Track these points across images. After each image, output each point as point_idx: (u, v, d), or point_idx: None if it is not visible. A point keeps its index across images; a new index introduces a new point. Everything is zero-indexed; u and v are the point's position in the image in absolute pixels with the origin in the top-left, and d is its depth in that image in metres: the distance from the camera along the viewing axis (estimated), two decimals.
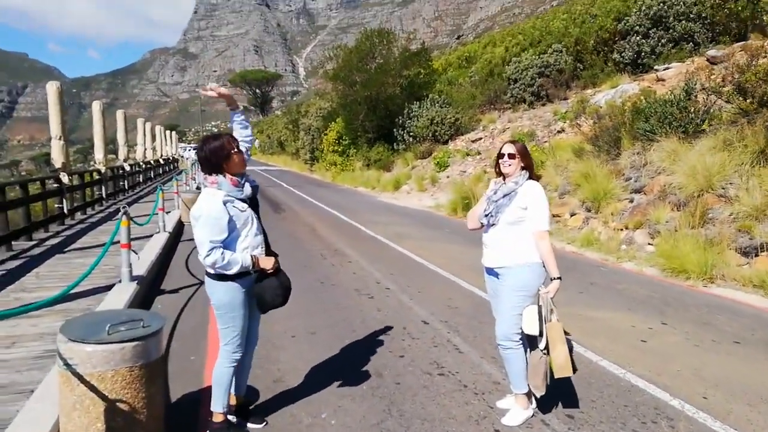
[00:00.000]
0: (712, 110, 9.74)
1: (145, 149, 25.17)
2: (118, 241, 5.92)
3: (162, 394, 3.00)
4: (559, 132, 16.67)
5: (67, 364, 2.70)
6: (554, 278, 3.20)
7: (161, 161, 30.58)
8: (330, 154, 28.13)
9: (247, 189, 3.09)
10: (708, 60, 15.01)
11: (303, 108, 50.09)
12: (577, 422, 3.37)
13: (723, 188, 8.31)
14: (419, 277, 7.17)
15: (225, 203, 2.96)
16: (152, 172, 26.30)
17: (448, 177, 18.27)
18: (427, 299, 6.09)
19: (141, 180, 22.46)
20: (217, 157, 3.00)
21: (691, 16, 16.51)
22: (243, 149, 3.17)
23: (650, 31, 17.20)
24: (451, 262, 8.09)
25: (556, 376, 3.13)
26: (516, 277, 3.27)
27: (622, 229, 9.34)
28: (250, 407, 3.49)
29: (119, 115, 19.89)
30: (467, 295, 6.29)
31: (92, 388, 2.68)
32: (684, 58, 16.56)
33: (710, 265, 7.10)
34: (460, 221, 12.79)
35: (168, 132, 39.97)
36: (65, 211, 11.30)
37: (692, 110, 9.85)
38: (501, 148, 3.41)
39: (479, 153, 18.90)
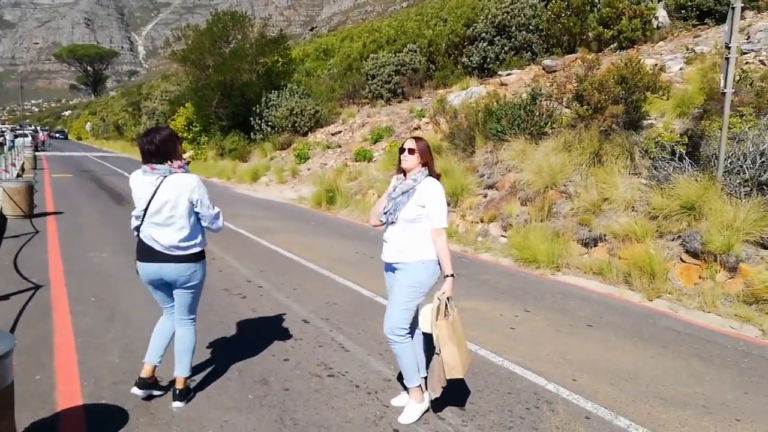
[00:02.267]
0: (554, 115, 10.76)
1: None
2: None
3: (14, 427, 2.48)
4: (415, 129, 17.30)
5: None
6: (447, 275, 3.23)
7: None
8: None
9: None
10: (543, 68, 16.61)
11: (145, 90, 46.23)
12: (469, 413, 3.46)
13: (565, 185, 9.23)
14: (292, 274, 6.93)
15: None
16: None
17: (309, 169, 18.05)
18: (304, 297, 5.90)
19: None
20: (168, 146, 3.31)
21: (530, 27, 18.11)
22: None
23: (495, 39, 18.55)
24: (321, 256, 7.96)
25: (447, 377, 3.13)
26: (410, 274, 3.27)
27: (477, 222, 9.95)
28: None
29: None
30: (344, 291, 6.21)
31: None
32: (524, 65, 18.17)
33: (557, 255, 7.83)
34: (324, 214, 12.69)
35: None
36: None
37: (537, 114, 10.80)
38: (403, 143, 3.36)
39: (340, 146, 18.94)
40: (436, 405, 3.47)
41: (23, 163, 21.26)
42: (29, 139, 32.56)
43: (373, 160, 16.16)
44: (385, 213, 3.32)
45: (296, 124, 21.18)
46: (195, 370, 3.95)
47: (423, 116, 17.70)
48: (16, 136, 32.64)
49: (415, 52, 21.83)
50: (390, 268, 3.43)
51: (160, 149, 3.23)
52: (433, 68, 21.20)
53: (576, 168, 9.31)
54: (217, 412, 3.36)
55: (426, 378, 3.45)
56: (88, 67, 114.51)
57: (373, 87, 21.67)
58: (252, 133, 22.58)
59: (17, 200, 10.23)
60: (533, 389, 3.85)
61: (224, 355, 4.25)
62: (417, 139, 3.37)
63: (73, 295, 5.63)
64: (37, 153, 26.55)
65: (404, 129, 17.60)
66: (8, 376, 2.40)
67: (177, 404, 3.37)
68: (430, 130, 16.41)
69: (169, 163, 3.26)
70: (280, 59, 24.31)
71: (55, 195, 14.29)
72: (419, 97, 20.36)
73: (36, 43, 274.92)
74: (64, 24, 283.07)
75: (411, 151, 3.32)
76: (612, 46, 15.05)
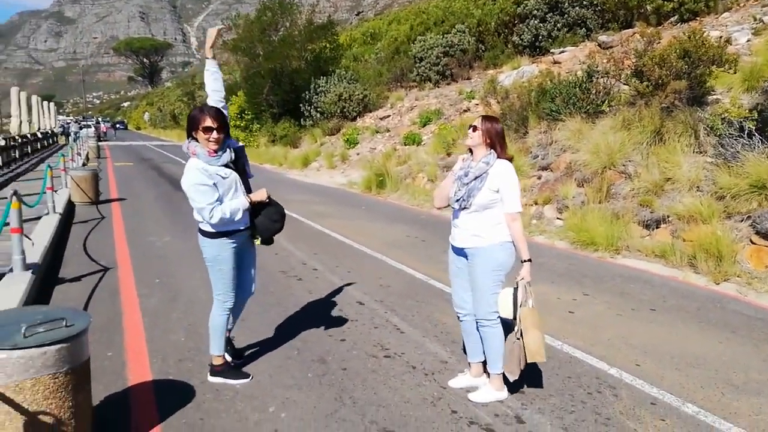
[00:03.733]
0: (611, 92, 10.36)
1: (21, 122, 22.55)
2: (5, 224, 5.17)
3: (90, 401, 2.62)
4: (465, 111, 17.04)
5: None
6: (524, 260, 3.17)
7: (39, 135, 27.62)
8: (231, 129, 26.88)
9: (225, 157, 3.26)
10: (599, 45, 15.97)
11: (198, 80, 47.43)
12: (529, 397, 3.41)
13: (624, 165, 8.89)
14: (345, 257, 7.00)
15: (206, 170, 3.16)
16: (29, 147, 23.68)
17: (358, 154, 18.11)
18: (358, 279, 5.95)
19: (17, 156, 20.12)
20: (190, 125, 3.22)
21: (584, 2, 17.42)
22: (217, 104, 3.46)
23: (547, 15, 17.94)
24: (373, 239, 7.99)
25: (528, 361, 3.12)
26: (489, 257, 3.21)
27: (531, 205, 9.73)
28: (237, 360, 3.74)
29: None
30: (397, 274, 6.22)
31: (8, 401, 2.27)
32: (577, 42, 17.52)
33: (616, 238, 7.58)
34: (374, 198, 12.73)
35: (45, 103, 36.14)
36: None
37: (593, 92, 10.42)
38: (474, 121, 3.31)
39: (388, 130, 18.89)
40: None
41: (87, 153, 22.29)
42: (92, 129, 34.37)
43: (422, 143, 16.04)
44: (458, 200, 3.25)
45: (345, 110, 21.25)
46: (256, 348, 4.07)
47: (473, 98, 17.39)
48: (80, 128, 34.29)
49: (464, 32, 21.41)
50: (461, 252, 3.36)
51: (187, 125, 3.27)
52: (483, 48, 20.75)
53: (636, 147, 8.94)
54: (278, 389, 3.44)
55: (485, 362, 3.42)
56: (144, 60, 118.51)
57: (421, 70, 21.43)
58: (302, 120, 22.82)
59: (84, 187, 10.74)
60: (595, 374, 3.75)
61: (283, 334, 4.34)
62: (486, 118, 3.28)
63: (138, 278, 5.88)
64: (99, 143, 27.78)
65: (453, 111, 17.36)
66: (85, 352, 2.53)
67: (209, 378, 3.51)
68: (481, 111, 16.13)
69: (187, 142, 3.27)
70: (328, 45, 24.38)
71: (118, 182, 14.92)
72: (468, 79, 20.01)
73: (95, 38, 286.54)
74: (120, 18, 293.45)
75: (474, 128, 3.25)
76: (672, 19, 14.30)
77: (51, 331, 2.41)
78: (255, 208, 3.38)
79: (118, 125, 65.04)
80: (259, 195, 3.37)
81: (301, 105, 22.51)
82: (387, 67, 24.04)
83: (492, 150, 3.22)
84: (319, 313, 4.85)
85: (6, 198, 5.31)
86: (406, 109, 20.02)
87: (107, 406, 3.22)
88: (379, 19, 36.17)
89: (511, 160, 3.29)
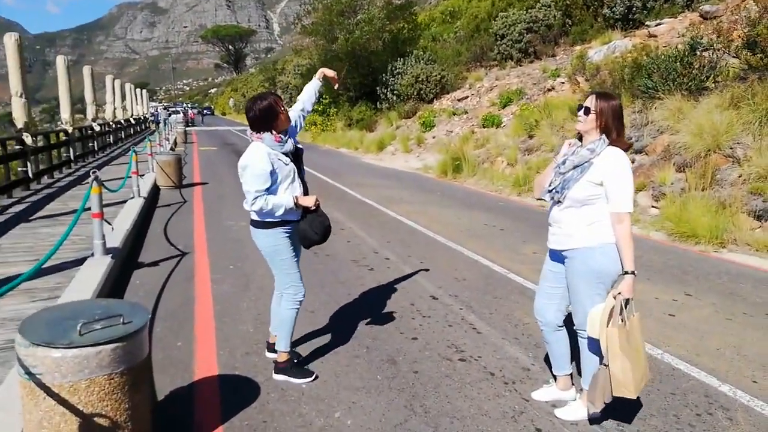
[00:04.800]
0: (717, 66, 9.31)
1: (115, 108, 23.91)
2: (89, 209, 5.31)
3: (149, 401, 2.51)
4: (549, 90, 16.13)
5: (29, 373, 2.17)
6: (626, 272, 2.59)
7: (132, 121, 29.26)
8: (309, 114, 27.20)
9: (289, 144, 3.19)
10: (701, 15, 14.52)
11: (279, 65, 48.46)
12: (625, 416, 2.97)
13: (731, 148, 7.96)
14: (418, 246, 6.72)
15: (269, 154, 3.09)
16: (123, 133, 25.12)
17: (434, 137, 17.69)
18: (432, 271, 5.65)
19: (111, 141, 21.37)
20: (267, 116, 3.11)
21: None
22: (302, 115, 3.56)
23: None
24: (448, 227, 7.65)
25: (615, 394, 2.60)
26: (587, 262, 2.71)
27: None
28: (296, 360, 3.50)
29: (86, 71, 18.67)
30: (473, 265, 5.86)
31: (63, 402, 2.17)
32: (676, 14, 16.06)
33: (722, 229, 6.79)
34: (450, 183, 12.33)
35: (138, 90, 38.25)
36: (30, 174, 10.49)
37: (697, 66, 9.41)
38: (585, 99, 2.80)
39: (466, 112, 18.30)
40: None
41: (176, 138, 23.31)
42: (181, 115, 36.17)
43: (502, 125, 15.36)
44: (551, 191, 2.79)
45: (421, 92, 20.81)
46: (324, 343, 3.89)
47: (558, 76, 16.43)
48: (169, 114, 36.09)
49: (549, 7, 20.24)
50: (556, 256, 2.91)
51: (261, 119, 3.15)
52: (570, 23, 19.55)
53: (746, 127, 7.98)
54: (345, 392, 3.23)
55: (561, 374, 3.03)
56: (230, 46, 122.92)
57: (502, 48, 20.54)
58: (378, 103, 22.62)
59: (168, 172, 11.11)
60: (703, 390, 3.26)
61: (352, 329, 4.14)
62: (601, 95, 2.73)
63: (213, 263, 5.90)
64: (187, 128, 29.04)
65: (536, 91, 16.49)
66: (143, 350, 2.41)
67: (274, 376, 3.36)
68: (566, 90, 15.19)
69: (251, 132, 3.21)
70: (406, 26, 23.94)
71: (202, 167, 15.42)
72: (553, 56, 18.93)
73: (185, 27, 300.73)
74: (208, 7, 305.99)
75: (586, 111, 2.70)
76: None
77: (107, 329, 2.30)
78: (302, 212, 3.24)
79: (205, 111, 67.80)
80: (307, 200, 3.21)
81: (377, 88, 22.30)
82: (466, 46, 23.28)
83: (603, 135, 2.70)
84: (390, 307, 4.60)
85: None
86: (486, 89, 19.29)
87: (172, 401, 3.14)
88: None
89: (627, 148, 2.76)
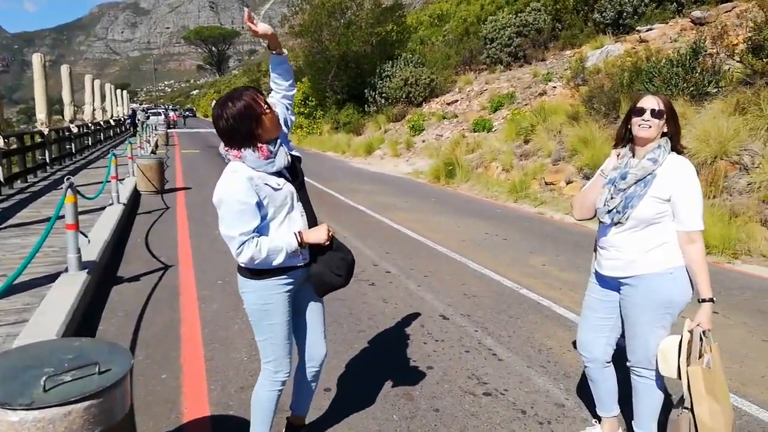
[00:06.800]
0: (720, 71, 9.09)
1: (94, 109, 23.16)
2: (63, 216, 4.82)
3: None
4: (541, 94, 15.89)
5: None
6: (703, 300, 2.26)
7: (112, 122, 28.45)
8: (294, 96, 26.69)
9: (281, 158, 2.23)
10: (692, 21, 14.42)
11: (264, 67, 47.84)
12: None
13: (738, 155, 7.72)
14: (420, 257, 6.32)
15: (251, 180, 2.15)
16: (102, 135, 24.36)
17: (423, 141, 17.35)
18: (438, 286, 5.25)
19: (90, 143, 20.65)
20: (245, 123, 2.13)
21: None
22: (284, 104, 2.47)
23: None
24: (449, 236, 7.27)
25: None
26: (652, 290, 2.34)
27: None
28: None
29: (64, 71, 17.96)
30: (481, 280, 5.48)
31: None
32: (667, 19, 15.98)
33: (734, 240, 6.53)
34: (444, 189, 11.97)
35: (119, 91, 37.34)
36: (1, 179, 9.88)
37: (699, 71, 9.18)
38: (638, 101, 2.37)
39: (456, 116, 17.99)
40: None
41: (157, 140, 22.64)
42: (162, 117, 35.36)
43: (493, 129, 15.07)
44: (610, 212, 2.38)
45: (410, 95, 20.49)
46: (327, 375, 3.44)
47: (549, 80, 16.22)
48: (147, 117, 35.21)
49: (539, 11, 20.08)
50: (609, 284, 2.51)
51: (239, 129, 2.16)
52: (559, 28, 19.39)
53: (754, 133, 7.75)
54: None
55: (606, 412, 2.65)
56: (213, 48, 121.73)
57: (491, 51, 20.32)
58: (366, 106, 22.24)
59: (149, 176, 10.57)
60: (756, 425, 2.91)
61: (358, 357, 3.72)
62: (658, 95, 2.36)
63: (200, 277, 5.44)
64: (168, 130, 28.32)
65: (528, 95, 16.24)
66: (123, 405, 1.96)
67: None
68: (558, 95, 14.95)
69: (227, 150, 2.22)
70: (394, 28, 23.61)
71: (185, 170, 14.86)
72: (543, 60, 18.75)
73: (167, 28, 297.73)
74: (191, 8, 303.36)
75: (658, 114, 2.29)
76: None
77: (79, 381, 1.85)
78: (311, 250, 2.33)
79: (186, 113, 66.71)
80: (317, 234, 2.27)
81: (365, 90, 21.91)
82: (455, 49, 23.03)
83: (663, 141, 2.33)
84: (398, 329, 4.19)
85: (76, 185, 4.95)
86: (476, 93, 19.02)
87: None
88: (446, 1, 34.90)
89: (683, 153, 2.38)
